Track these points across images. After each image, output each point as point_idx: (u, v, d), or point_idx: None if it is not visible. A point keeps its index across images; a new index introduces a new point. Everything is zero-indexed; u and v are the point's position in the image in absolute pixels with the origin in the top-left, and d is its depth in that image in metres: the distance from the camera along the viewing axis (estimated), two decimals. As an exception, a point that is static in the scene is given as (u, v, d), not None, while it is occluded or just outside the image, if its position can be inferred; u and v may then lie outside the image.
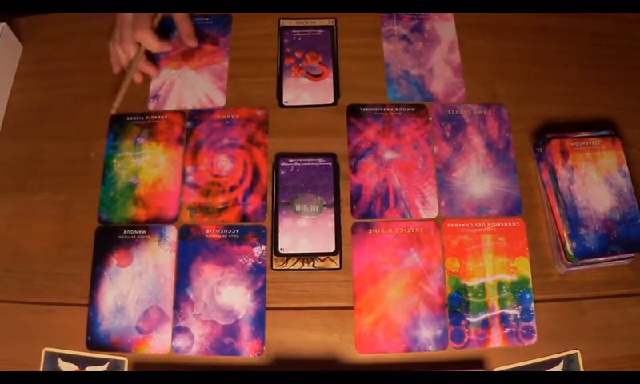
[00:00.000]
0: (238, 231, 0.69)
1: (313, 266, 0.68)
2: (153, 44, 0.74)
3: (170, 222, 0.69)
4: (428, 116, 0.74)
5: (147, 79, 0.77)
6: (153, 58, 0.77)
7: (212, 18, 0.81)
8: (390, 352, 0.64)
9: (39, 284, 0.67)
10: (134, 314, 0.66)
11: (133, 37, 0.72)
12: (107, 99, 0.75)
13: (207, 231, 0.69)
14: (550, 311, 0.66)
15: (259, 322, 0.65)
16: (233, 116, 0.75)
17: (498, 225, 0.69)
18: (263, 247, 0.68)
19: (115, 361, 0.62)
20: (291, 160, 0.72)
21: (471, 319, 0.65)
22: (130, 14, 0.73)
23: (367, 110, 0.75)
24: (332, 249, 0.68)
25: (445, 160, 0.72)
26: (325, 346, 0.65)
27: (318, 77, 0.77)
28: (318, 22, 0.80)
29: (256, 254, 0.68)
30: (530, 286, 0.66)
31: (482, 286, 0.66)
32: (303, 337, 0.65)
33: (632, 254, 0.65)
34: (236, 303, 0.66)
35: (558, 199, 0.66)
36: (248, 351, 0.64)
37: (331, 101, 0.75)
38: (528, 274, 0.67)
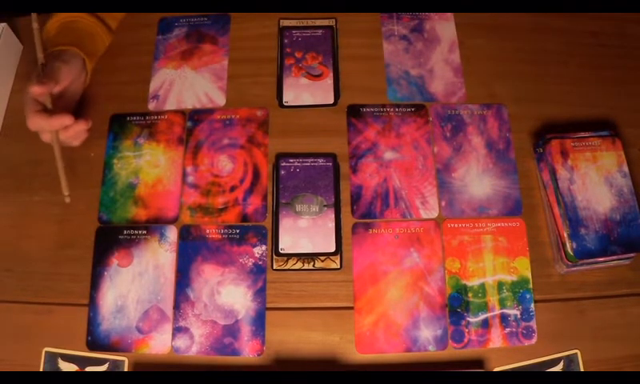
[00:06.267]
0: (238, 231, 0.69)
1: (313, 266, 0.68)
2: (47, 125, 0.65)
3: (170, 222, 0.69)
4: (428, 116, 0.74)
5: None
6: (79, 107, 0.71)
7: (210, 18, 0.81)
8: (390, 352, 0.64)
9: (39, 284, 0.67)
10: (134, 314, 0.66)
11: (31, 128, 0.66)
12: (107, 99, 0.75)
13: (207, 231, 0.69)
14: (550, 311, 0.66)
15: (259, 322, 0.65)
16: (233, 116, 0.75)
17: (498, 225, 0.69)
18: (263, 247, 0.68)
19: (115, 361, 0.62)
20: (291, 160, 0.72)
21: (471, 319, 0.65)
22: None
23: (367, 110, 0.75)
24: (332, 249, 0.68)
25: (445, 160, 0.72)
26: (325, 346, 0.65)
27: (318, 77, 0.77)
28: (318, 22, 0.80)
29: (256, 254, 0.68)
30: (530, 286, 0.66)
31: (482, 286, 0.66)
32: (303, 337, 0.65)
33: (632, 254, 0.65)
34: (236, 303, 0.66)
35: (558, 199, 0.66)
36: (248, 351, 0.64)
37: (331, 101, 0.75)
38: (528, 274, 0.67)
